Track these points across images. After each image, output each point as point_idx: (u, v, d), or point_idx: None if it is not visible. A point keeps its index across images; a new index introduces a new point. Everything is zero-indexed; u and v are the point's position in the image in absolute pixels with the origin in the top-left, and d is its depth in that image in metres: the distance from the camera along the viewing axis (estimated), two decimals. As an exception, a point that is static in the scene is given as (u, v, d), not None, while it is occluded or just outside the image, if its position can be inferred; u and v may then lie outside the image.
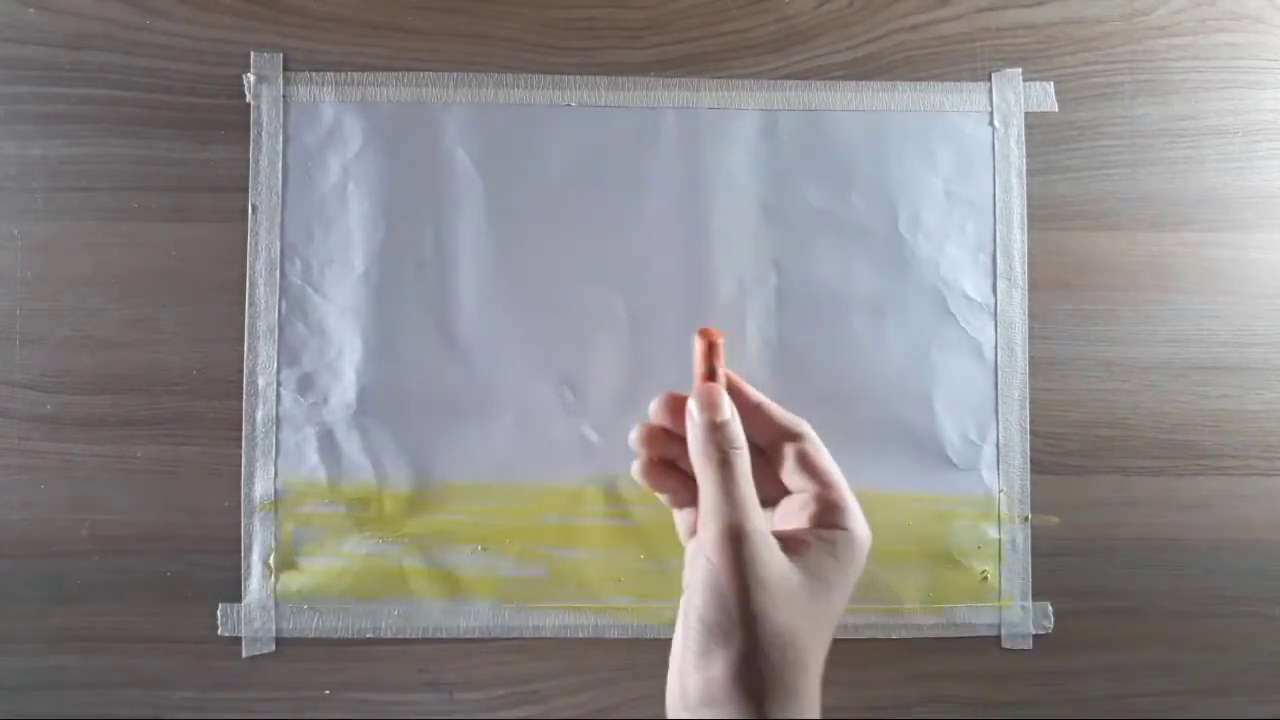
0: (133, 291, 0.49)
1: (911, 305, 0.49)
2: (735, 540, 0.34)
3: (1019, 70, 0.50)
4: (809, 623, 0.34)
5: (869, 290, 0.49)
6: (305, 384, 0.48)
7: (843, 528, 0.37)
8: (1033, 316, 0.50)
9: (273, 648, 0.48)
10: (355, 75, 0.49)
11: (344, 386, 0.48)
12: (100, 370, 0.48)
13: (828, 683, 0.49)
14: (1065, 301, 0.50)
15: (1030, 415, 0.49)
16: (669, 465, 0.40)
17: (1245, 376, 0.50)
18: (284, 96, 0.49)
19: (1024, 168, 0.50)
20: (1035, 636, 0.49)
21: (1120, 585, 0.50)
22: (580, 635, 0.48)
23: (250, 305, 0.48)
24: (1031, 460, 0.49)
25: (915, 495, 0.49)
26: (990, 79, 0.50)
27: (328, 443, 0.48)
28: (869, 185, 0.49)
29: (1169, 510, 0.50)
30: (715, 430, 0.37)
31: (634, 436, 0.40)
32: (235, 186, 0.48)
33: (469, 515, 0.48)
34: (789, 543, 0.35)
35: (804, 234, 0.49)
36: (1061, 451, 0.50)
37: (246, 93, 0.49)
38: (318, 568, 0.48)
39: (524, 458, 0.48)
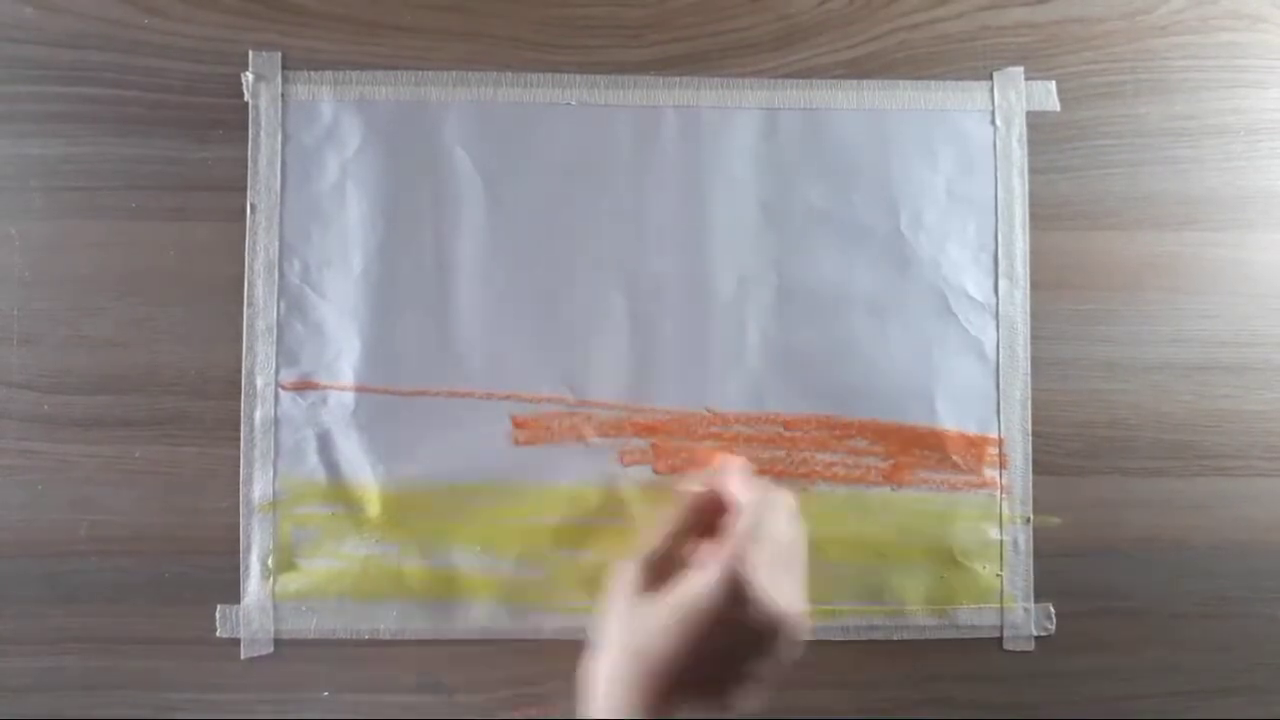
0: (131, 291, 0.48)
1: (913, 305, 0.49)
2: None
3: (1020, 69, 0.50)
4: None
5: (870, 290, 0.49)
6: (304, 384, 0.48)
7: None
8: (1034, 316, 0.49)
9: (271, 649, 0.48)
10: (354, 74, 0.49)
11: (342, 386, 0.48)
12: (98, 370, 0.48)
13: (829, 683, 0.49)
14: (1067, 301, 0.50)
15: (1032, 415, 0.49)
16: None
17: (1247, 376, 0.50)
18: (282, 95, 0.49)
19: (1026, 167, 0.50)
20: (1037, 638, 0.49)
21: (1122, 586, 0.50)
22: (580, 637, 0.48)
23: (249, 305, 0.48)
24: (1033, 461, 0.49)
25: (916, 496, 0.49)
26: (992, 78, 0.50)
27: (326, 443, 0.48)
28: (870, 184, 0.49)
29: (1170, 511, 0.50)
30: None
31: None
32: (234, 186, 0.48)
33: (468, 516, 0.48)
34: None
35: (805, 233, 0.49)
36: (1063, 452, 0.50)
37: (245, 92, 0.49)
38: (316, 569, 0.48)
39: (523, 458, 0.48)
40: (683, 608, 0.37)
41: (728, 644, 0.37)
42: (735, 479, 0.43)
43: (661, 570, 0.40)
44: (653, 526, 0.42)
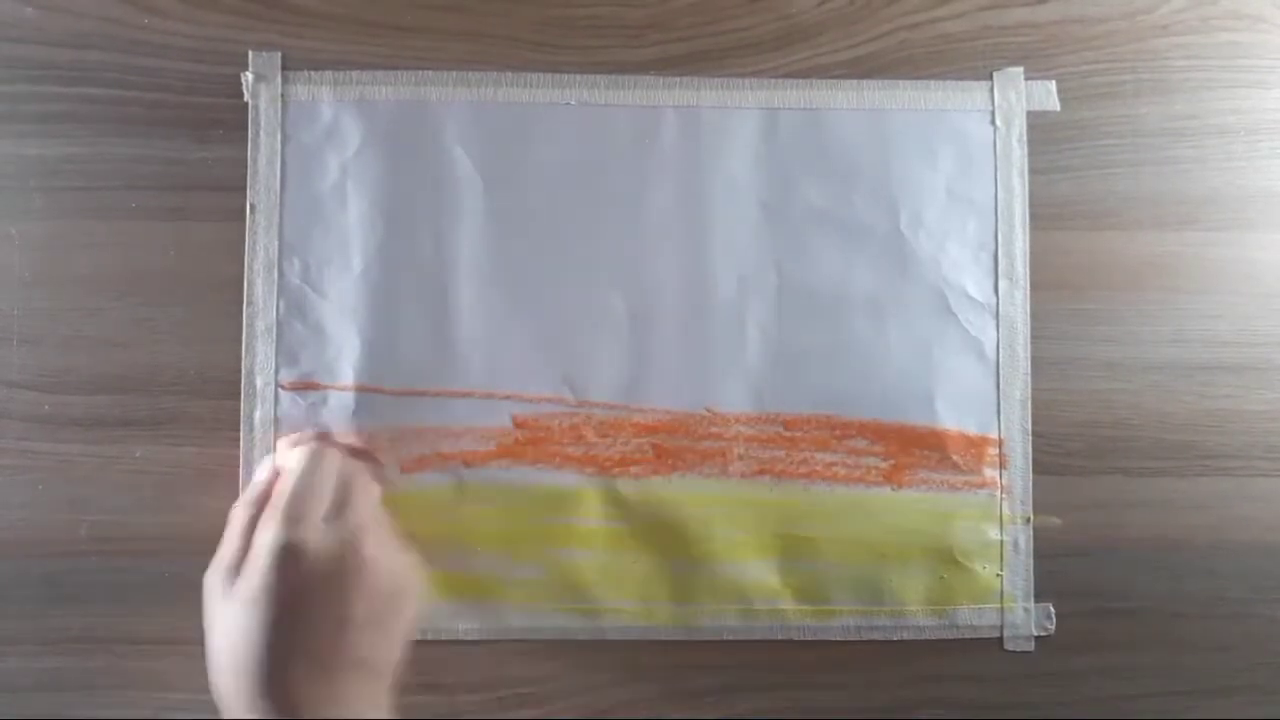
0: (131, 291, 0.48)
1: (913, 305, 0.49)
2: None
3: (1021, 69, 0.50)
4: None
5: (870, 290, 0.49)
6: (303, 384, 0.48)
7: None
8: (1034, 316, 0.49)
9: (271, 649, 0.48)
10: (354, 74, 0.49)
11: (343, 387, 0.48)
12: (98, 370, 0.48)
13: (829, 684, 0.49)
14: (1067, 301, 0.50)
15: (1032, 416, 0.49)
16: None
17: (1248, 376, 0.50)
18: (282, 95, 0.49)
19: (1026, 167, 0.50)
20: (1037, 638, 0.49)
21: (1122, 587, 0.50)
22: (579, 637, 0.48)
23: (249, 305, 0.48)
24: (1033, 461, 0.49)
25: (916, 496, 0.49)
26: (992, 78, 0.50)
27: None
28: (870, 184, 0.49)
29: (1171, 511, 0.50)
30: None
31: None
32: (233, 186, 0.48)
33: (468, 517, 0.48)
34: None
35: (805, 233, 0.49)
36: (1063, 452, 0.50)
37: (245, 92, 0.49)
38: (316, 569, 0.48)
39: (522, 459, 0.48)
40: (258, 590, 0.37)
41: (319, 605, 0.37)
42: (281, 454, 0.44)
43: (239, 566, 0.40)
44: (226, 533, 0.42)
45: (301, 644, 0.37)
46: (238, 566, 0.40)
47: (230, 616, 0.38)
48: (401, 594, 0.40)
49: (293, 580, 0.37)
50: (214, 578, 0.40)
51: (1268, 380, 0.50)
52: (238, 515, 0.42)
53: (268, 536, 0.38)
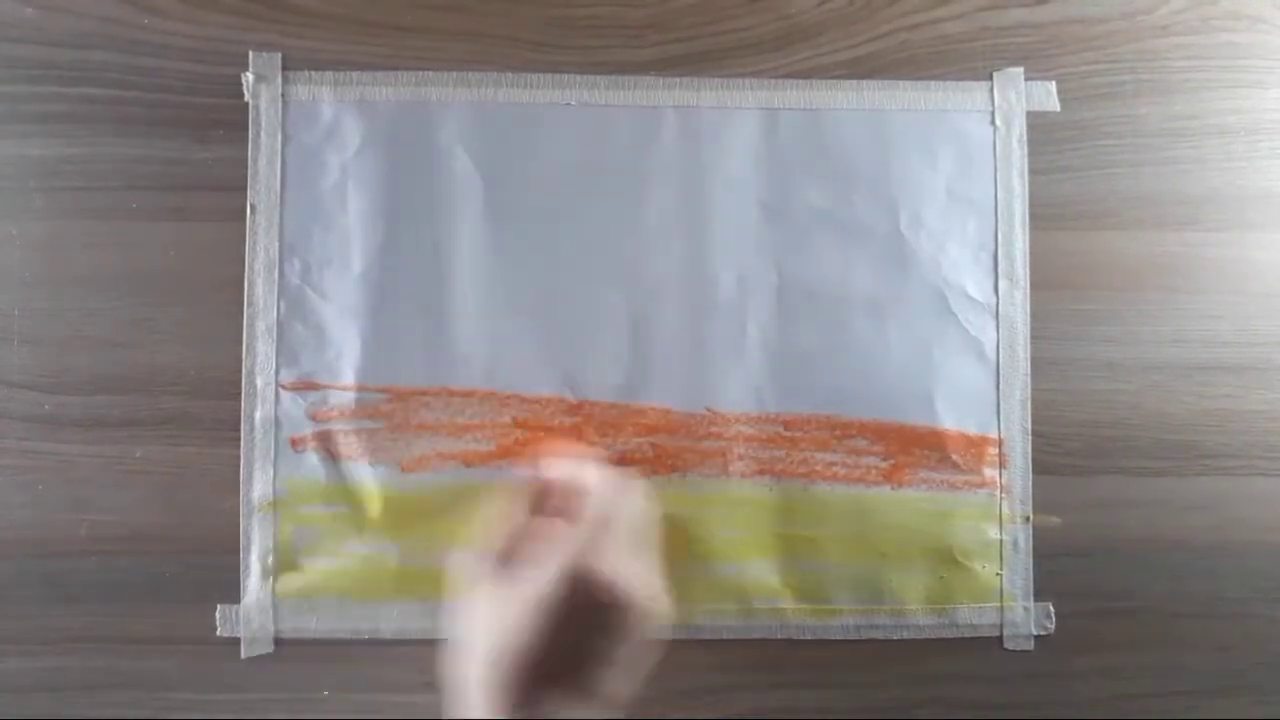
0: (131, 291, 0.48)
1: (913, 305, 0.49)
2: None
3: (1021, 69, 0.50)
4: None
5: (870, 290, 0.49)
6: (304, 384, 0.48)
7: None
8: (1034, 316, 0.49)
9: (272, 648, 0.48)
10: (354, 74, 0.49)
11: (343, 387, 0.48)
12: (99, 370, 0.48)
13: (829, 684, 0.49)
14: (1067, 301, 0.50)
15: (1032, 415, 0.49)
16: None
17: (1248, 376, 0.50)
18: (283, 96, 0.49)
19: (1026, 167, 0.50)
20: (1037, 637, 0.49)
21: (1122, 586, 0.50)
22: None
23: (249, 305, 0.48)
24: (1033, 460, 0.49)
25: (916, 496, 0.49)
26: (992, 78, 0.50)
27: (326, 443, 0.48)
28: (870, 184, 0.49)
29: (1171, 511, 0.50)
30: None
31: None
32: (234, 186, 0.48)
33: (469, 516, 0.48)
34: None
35: (805, 233, 0.49)
36: (1063, 452, 0.50)
37: (245, 92, 0.49)
38: (317, 568, 0.48)
39: (523, 459, 0.48)
40: (536, 599, 0.37)
41: (583, 631, 0.37)
42: (583, 466, 0.43)
43: (511, 561, 0.39)
44: (499, 516, 0.41)
45: (560, 671, 0.37)
46: (511, 558, 0.39)
47: (504, 614, 0.37)
48: (651, 649, 0.39)
49: (580, 607, 0.37)
50: (485, 561, 0.39)
51: (1268, 380, 0.50)
52: (519, 505, 0.41)
53: (576, 555, 0.38)
